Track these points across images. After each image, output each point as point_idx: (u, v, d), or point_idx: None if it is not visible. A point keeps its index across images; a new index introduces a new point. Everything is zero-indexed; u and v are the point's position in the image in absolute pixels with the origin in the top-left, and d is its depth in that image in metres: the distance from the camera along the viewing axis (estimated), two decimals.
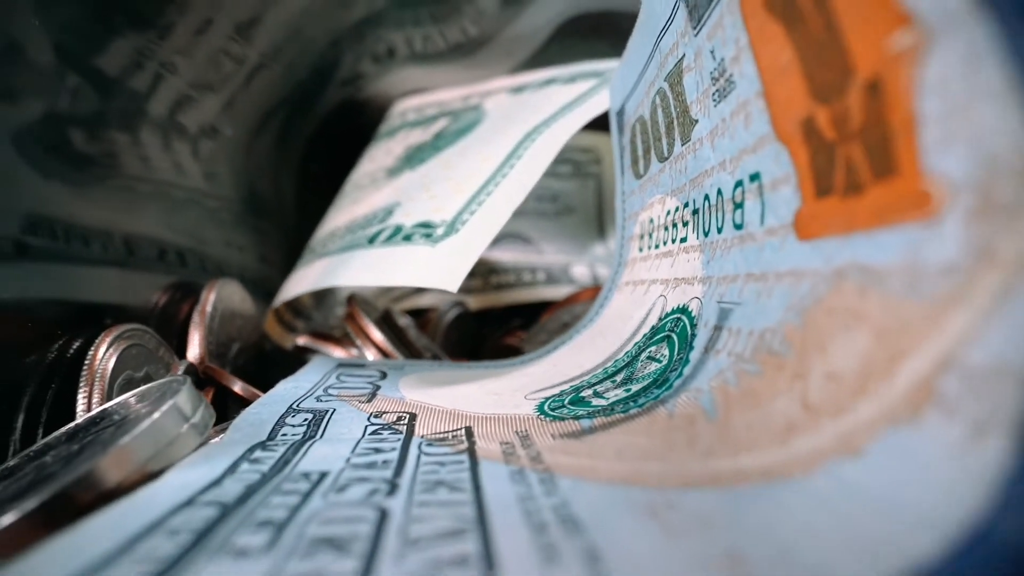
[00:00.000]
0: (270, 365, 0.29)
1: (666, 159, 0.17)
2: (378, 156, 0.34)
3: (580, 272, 0.35)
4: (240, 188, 0.36)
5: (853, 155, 0.08)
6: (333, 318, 0.34)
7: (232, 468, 0.11)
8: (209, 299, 0.23)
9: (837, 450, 0.08)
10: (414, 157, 0.29)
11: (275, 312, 0.28)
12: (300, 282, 0.26)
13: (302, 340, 0.26)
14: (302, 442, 0.12)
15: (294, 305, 0.30)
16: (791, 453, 0.08)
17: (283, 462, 0.11)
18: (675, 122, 0.15)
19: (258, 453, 0.12)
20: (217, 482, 0.10)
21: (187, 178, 0.30)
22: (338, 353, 0.25)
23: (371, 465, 0.11)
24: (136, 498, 0.10)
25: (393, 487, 0.09)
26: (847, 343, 0.08)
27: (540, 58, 0.36)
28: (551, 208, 0.40)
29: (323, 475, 0.10)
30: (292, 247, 0.38)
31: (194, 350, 0.22)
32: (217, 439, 0.13)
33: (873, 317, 0.08)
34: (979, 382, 0.06)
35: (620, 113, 0.22)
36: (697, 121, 0.14)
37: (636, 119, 0.19)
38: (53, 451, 0.13)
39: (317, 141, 0.42)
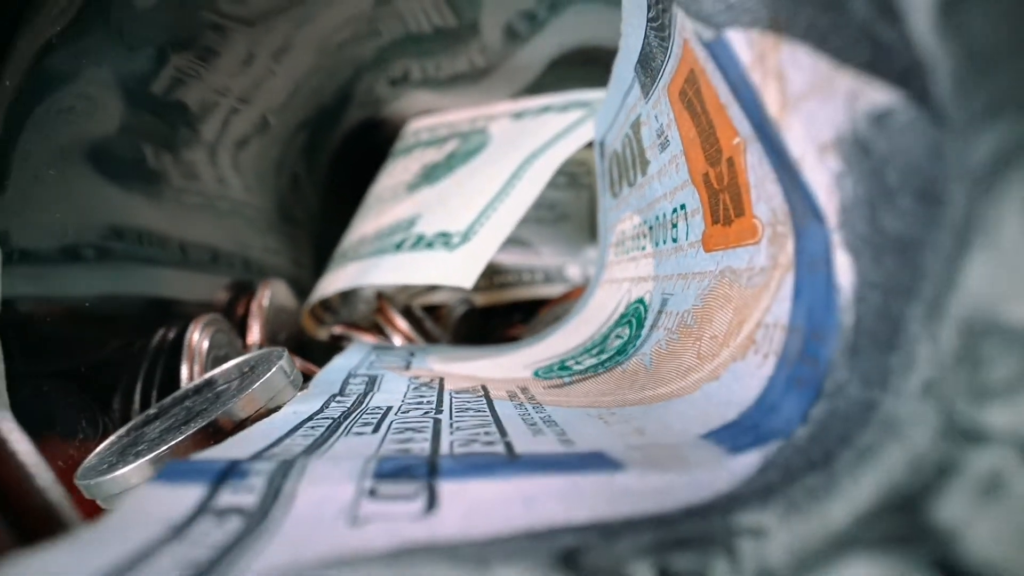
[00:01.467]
0: (306, 352, 0.35)
1: (632, 185, 0.22)
2: (396, 172, 0.39)
3: (573, 272, 0.41)
4: (273, 199, 0.42)
5: (726, 200, 0.14)
6: (356, 313, 0.39)
7: (325, 405, 0.16)
8: (264, 295, 0.29)
9: (708, 379, 0.13)
10: (431, 175, 0.34)
11: (310, 308, 0.33)
12: (335, 281, 0.32)
13: (338, 330, 0.31)
14: (365, 393, 0.18)
15: (324, 302, 0.35)
16: (686, 383, 0.14)
17: (358, 402, 0.16)
18: (637, 160, 0.21)
19: (338, 399, 0.17)
20: (319, 411, 0.15)
21: (229, 190, 0.36)
22: (368, 340, 0.30)
23: (419, 403, 0.16)
24: (263, 423, 0.15)
25: (438, 410, 0.15)
26: (721, 316, 0.14)
27: (539, 84, 0.42)
28: (549, 215, 0.46)
29: (389, 408, 0.16)
30: (319, 252, 0.44)
31: (254, 336, 0.28)
32: (301, 393, 0.18)
33: (734, 299, 0.13)
34: (769, 332, 0.12)
35: (601, 144, 0.27)
36: (650, 162, 0.19)
37: (612, 151, 0.25)
38: (188, 401, 0.18)
39: (339, 156, 0.47)
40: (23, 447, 0.13)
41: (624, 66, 0.20)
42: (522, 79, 0.41)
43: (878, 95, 0.07)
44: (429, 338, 0.30)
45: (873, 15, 0.07)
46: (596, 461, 0.09)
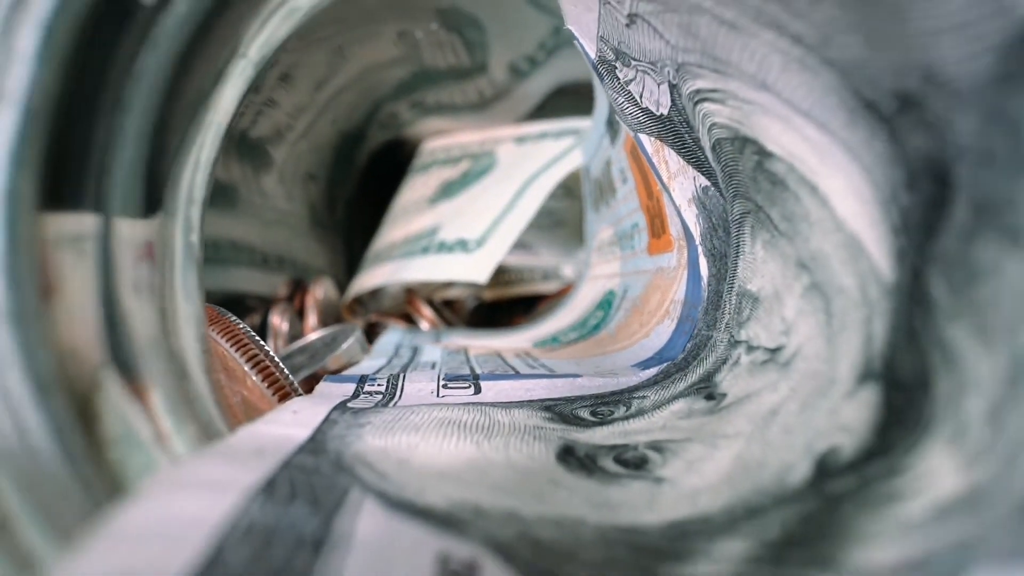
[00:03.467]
0: None
1: (607, 205, 0.30)
2: (417, 187, 0.47)
3: (568, 271, 0.48)
4: (309, 209, 0.49)
5: (656, 223, 0.21)
6: (382, 306, 0.47)
7: (389, 361, 0.24)
8: (318, 289, 0.36)
9: (643, 337, 0.21)
10: (448, 191, 0.42)
11: (349, 301, 0.41)
12: (372, 278, 0.39)
13: (373, 317, 0.39)
14: (412, 356, 0.25)
15: (357, 297, 0.43)
16: (631, 341, 0.21)
17: (410, 359, 0.24)
18: (608, 187, 0.29)
19: (394, 360, 0.25)
20: (388, 364, 0.23)
21: (274, 201, 0.44)
22: (400, 326, 0.38)
23: (454, 358, 0.24)
24: (358, 366, 0.22)
25: (468, 361, 0.22)
26: (654, 298, 0.21)
27: (537, 111, 0.49)
28: (547, 222, 0.53)
29: (434, 362, 0.23)
30: (350, 253, 0.52)
31: (311, 322, 0.35)
32: (367, 356, 0.26)
33: (661, 287, 0.21)
34: (675, 306, 0.19)
35: (587, 169, 0.35)
36: (617, 190, 0.27)
37: (594, 176, 0.32)
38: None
39: (365, 171, 0.55)
40: None
41: (599, 119, 0.28)
42: (523, 107, 0.49)
43: (702, 179, 0.15)
44: (448, 325, 0.38)
45: (694, 146, 0.15)
46: (566, 374, 0.17)
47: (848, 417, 0.09)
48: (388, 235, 0.43)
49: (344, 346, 0.24)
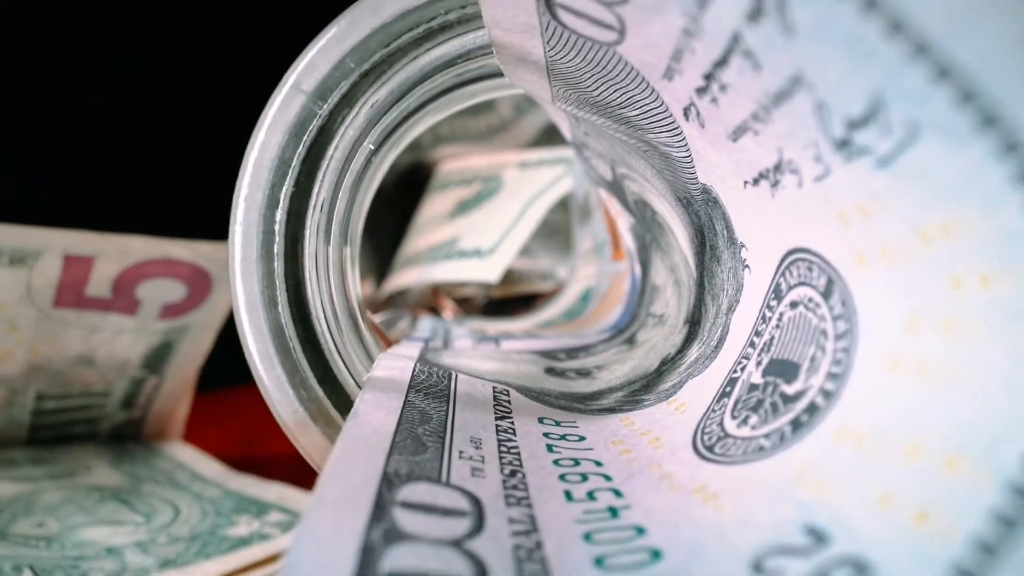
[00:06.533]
0: None
1: (588, 223, 0.41)
2: (436, 203, 0.58)
3: (562, 272, 0.59)
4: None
5: (615, 240, 0.33)
6: (409, 301, 0.58)
7: (432, 335, 0.35)
8: (363, 287, 0.48)
9: (604, 316, 0.32)
10: (464, 208, 0.53)
11: (383, 298, 0.52)
12: (403, 279, 0.50)
13: (405, 310, 0.50)
14: (447, 332, 0.37)
15: (388, 296, 0.54)
16: (598, 321, 0.33)
17: (446, 339, 0.35)
18: (588, 210, 0.40)
19: (432, 343, 0.36)
20: (432, 337, 0.34)
21: None
22: (428, 315, 0.49)
23: (476, 333, 0.35)
24: (405, 341, 0.34)
25: (490, 337, 0.34)
26: (614, 292, 0.33)
27: (537, 140, 0.60)
28: (546, 231, 0.64)
29: (464, 335, 0.34)
30: (380, 258, 0.63)
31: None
32: (405, 338, 0.37)
33: (618, 284, 0.32)
34: (625, 295, 0.30)
35: (574, 194, 0.46)
36: (592, 213, 0.38)
37: (579, 201, 0.44)
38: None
39: (392, 187, 0.66)
40: None
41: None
42: (525, 136, 0.60)
43: (631, 218, 0.26)
44: (466, 315, 0.49)
45: (625, 200, 0.26)
46: (553, 339, 0.28)
47: (676, 340, 0.20)
48: (414, 244, 0.55)
49: (400, 326, 0.35)
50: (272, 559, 0.30)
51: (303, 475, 0.36)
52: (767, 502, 0.10)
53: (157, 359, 0.40)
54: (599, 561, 0.10)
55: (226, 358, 0.43)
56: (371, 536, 0.10)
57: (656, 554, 0.10)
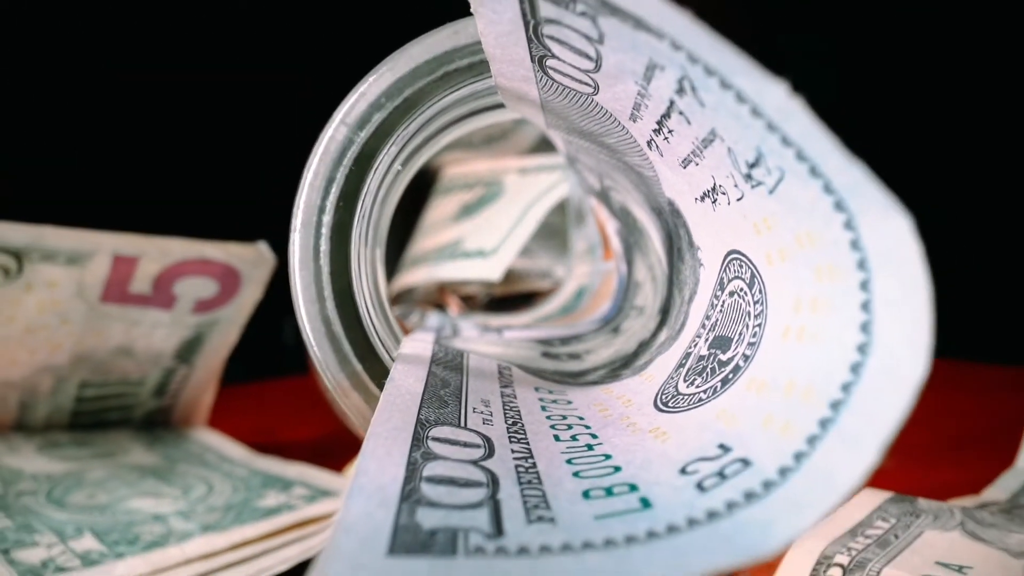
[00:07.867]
0: None
1: (582, 226, 0.45)
2: (441, 207, 0.63)
3: (559, 271, 0.64)
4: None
5: (604, 241, 0.37)
6: (415, 299, 0.62)
7: (439, 331, 0.39)
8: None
9: (595, 311, 0.36)
10: (468, 211, 0.58)
11: (392, 295, 0.56)
12: (411, 277, 0.55)
13: (413, 306, 0.54)
14: (454, 325, 0.41)
15: (397, 294, 0.58)
16: (590, 315, 0.37)
17: (454, 330, 0.39)
18: (582, 214, 0.44)
19: (444, 327, 0.40)
20: (441, 328, 0.38)
21: None
22: (435, 312, 0.53)
23: (480, 326, 0.39)
24: (421, 330, 0.38)
25: (493, 328, 0.38)
26: (604, 290, 0.37)
27: (538, 146, 0.65)
28: (544, 232, 0.69)
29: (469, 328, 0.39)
30: (386, 261, 0.67)
31: None
32: (418, 328, 0.41)
33: (607, 282, 0.36)
34: (613, 293, 0.35)
35: (570, 198, 0.50)
36: (586, 217, 0.43)
37: (574, 205, 0.48)
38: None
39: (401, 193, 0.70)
40: None
41: None
42: (524, 143, 0.64)
43: (617, 223, 0.30)
44: (471, 311, 0.53)
45: (611, 207, 0.30)
46: (550, 331, 0.32)
47: (651, 326, 0.24)
48: (421, 244, 0.59)
49: (411, 320, 0.39)
50: (300, 525, 0.34)
51: (317, 459, 0.40)
52: (696, 433, 0.14)
53: (188, 350, 0.44)
54: (576, 474, 0.14)
55: (238, 356, 0.48)
56: (413, 455, 0.14)
57: (617, 468, 0.14)
